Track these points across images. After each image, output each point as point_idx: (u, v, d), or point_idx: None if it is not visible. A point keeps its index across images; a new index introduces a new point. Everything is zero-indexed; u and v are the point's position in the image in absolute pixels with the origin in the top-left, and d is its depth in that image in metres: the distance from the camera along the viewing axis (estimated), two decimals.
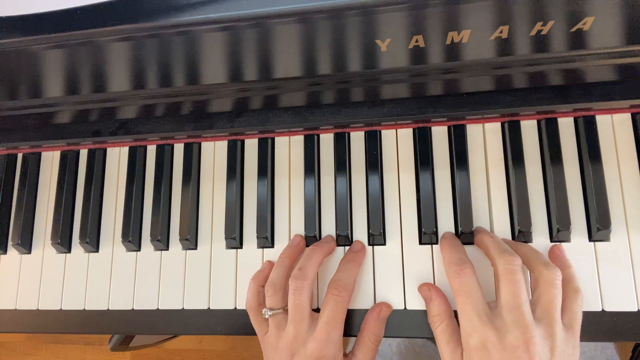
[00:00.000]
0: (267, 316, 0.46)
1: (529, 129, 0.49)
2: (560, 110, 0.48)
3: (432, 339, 0.45)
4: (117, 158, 0.57)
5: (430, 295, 0.45)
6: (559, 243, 0.46)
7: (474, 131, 0.50)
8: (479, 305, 0.40)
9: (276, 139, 0.54)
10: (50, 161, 0.59)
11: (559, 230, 0.45)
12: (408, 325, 0.47)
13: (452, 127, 0.50)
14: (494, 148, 0.49)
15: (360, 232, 0.50)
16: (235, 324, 0.50)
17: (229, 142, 0.54)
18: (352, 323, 0.48)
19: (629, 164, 0.47)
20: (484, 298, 0.41)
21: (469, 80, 0.46)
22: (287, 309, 0.45)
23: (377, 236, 0.48)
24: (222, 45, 0.41)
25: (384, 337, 0.47)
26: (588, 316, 0.44)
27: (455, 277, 0.42)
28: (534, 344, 0.36)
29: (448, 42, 0.39)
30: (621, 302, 0.44)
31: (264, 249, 0.51)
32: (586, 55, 0.42)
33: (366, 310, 0.47)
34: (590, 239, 0.46)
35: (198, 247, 0.53)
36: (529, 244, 0.46)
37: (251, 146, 0.54)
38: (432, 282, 0.47)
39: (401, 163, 0.50)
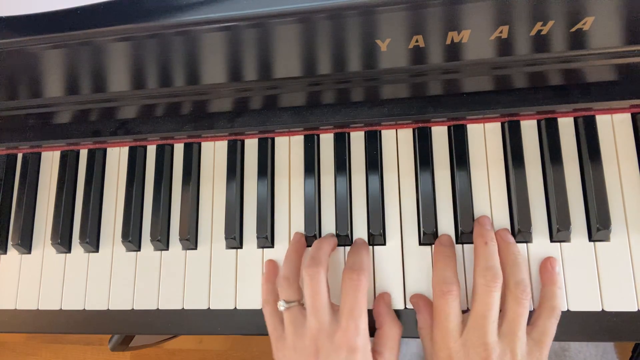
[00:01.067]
0: (282, 308, 0.44)
1: (529, 129, 0.49)
2: (560, 110, 0.48)
3: None
4: (117, 158, 0.57)
5: (419, 308, 0.46)
6: (552, 257, 0.45)
7: (474, 131, 0.50)
8: (452, 326, 0.42)
9: (276, 139, 0.54)
10: (50, 161, 0.59)
11: (559, 230, 0.45)
12: (408, 325, 0.47)
13: (452, 127, 0.50)
14: (494, 148, 0.49)
15: (360, 232, 0.50)
16: (235, 324, 0.50)
17: (229, 142, 0.54)
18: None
19: (629, 164, 0.47)
20: (460, 318, 0.43)
21: (469, 80, 0.46)
22: (303, 303, 0.44)
23: (377, 236, 0.48)
24: (222, 45, 0.41)
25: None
26: (588, 316, 0.44)
27: (440, 297, 0.43)
28: (493, 359, 0.40)
29: (448, 42, 0.39)
30: (621, 302, 0.44)
31: (264, 249, 0.51)
32: (586, 55, 0.42)
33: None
34: (590, 239, 0.46)
35: (198, 247, 0.53)
36: (529, 243, 0.46)
37: (251, 146, 0.54)
38: (432, 282, 0.47)
39: (401, 163, 0.50)
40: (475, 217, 0.48)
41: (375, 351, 0.44)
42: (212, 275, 0.52)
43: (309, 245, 0.50)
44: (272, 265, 0.50)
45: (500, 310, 0.42)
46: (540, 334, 0.42)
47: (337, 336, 0.41)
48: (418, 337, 0.46)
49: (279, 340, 0.45)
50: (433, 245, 0.48)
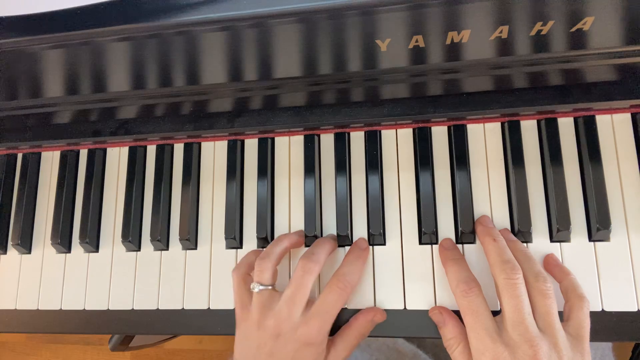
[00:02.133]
0: (255, 290, 0.45)
1: (529, 129, 0.49)
2: (560, 110, 0.48)
3: (430, 338, 0.45)
4: (117, 158, 0.57)
5: (443, 320, 0.44)
6: (551, 253, 0.45)
7: (474, 131, 0.50)
8: (487, 323, 0.40)
9: (276, 139, 0.54)
10: (50, 161, 0.59)
11: (558, 230, 0.45)
12: (408, 325, 0.47)
13: (452, 127, 0.50)
14: (494, 148, 0.49)
15: (360, 232, 0.50)
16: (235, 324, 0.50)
17: (229, 142, 0.54)
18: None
19: (629, 164, 0.47)
20: (491, 315, 0.41)
21: (469, 80, 0.46)
22: (275, 287, 0.45)
23: (377, 236, 0.48)
24: (222, 45, 0.41)
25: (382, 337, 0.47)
26: None
27: (463, 297, 0.42)
28: (542, 356, 0.37)
29: (448, 42, 0.39)
30: (621, 302, 0.44)
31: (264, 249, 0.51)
32: (586, 55, 0.42)
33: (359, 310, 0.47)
34: (590, 239, 0.46)
35: (198, 247, 0.53)
36: (529, 243, 0.46)
37: (251, 146, 0.54)
38: (432, 282, 0.47)
39: (401, 163, 0.50)
40: (475, 217, 0.48)
41: (331, 341, 0.45)
42: (212, 275, 0.52)
43: (306, 245, 0.50)
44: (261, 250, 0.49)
45: None
46: (577, 328, 0.40)
47: (300, 330, 0.43)
48: (415, 337, 0.46)
49: (243, 309, 0.46)
50: (433, 245, 0.48)
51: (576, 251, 0.45)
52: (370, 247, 0.49)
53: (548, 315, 0.40)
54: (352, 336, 0.46)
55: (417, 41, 0.39)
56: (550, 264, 0.45)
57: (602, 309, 0.44)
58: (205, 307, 0.51)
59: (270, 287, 0.45)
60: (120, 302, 0.53)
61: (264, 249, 0.47)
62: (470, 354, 0.42)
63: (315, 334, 0.43)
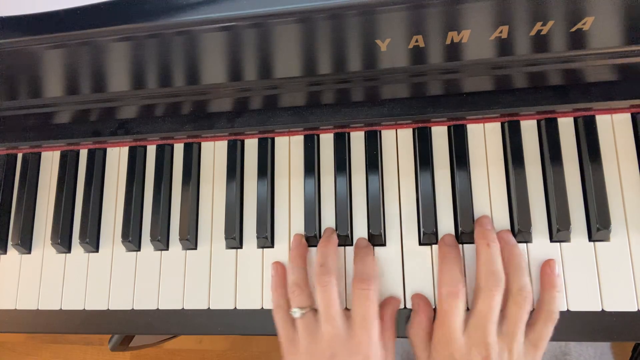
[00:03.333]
0: (297, 315, 0.45)
1: (529, 129, 0.49)
2: (560, 110, 0.48)
3: None
4: (117, 158, 0.57)
5: (418, 308, 0.46)
6: (552, 260, 0.45)
7: (474, 131, 0.50)
8: (457, 325, 0.43)
9: (276, 139, 0.54)
10: (50, 161, 0.58)
11: (558, 230, 0.45)
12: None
13: (452, 127, 0.50)
14: (494, 148, 0.49)
15: (360, 232, 0.50)
16: (235, 324, 0.50)
17: (229, 142, 0.54)
18: None
19: (629, 164, 0.47)
20: (464, 317, 0.43)
21: (469, 80, 0.46)
22: (315, 308, 0.45)
23: (377, 236, 0.48)
24: (222, 45, 0.41)
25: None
26: (588, 316, 0.44)
27: (446, 298, 0.44)
28: (493, 358, 0.41)
29: (448, 42, 0.39)
30: (621, 302, 0.44)
31: (264, 249, 0.51)
32: (586, 55, 0.42)
33: None
34: (590, 239, 0.46)
35: (198, 247, 0.53)
36: (529, 243, 0.46)
37: (251, 146, 0.54)
38: (432, 282, 0.47)
39: (401, 163, 0.50)
40: (475, 217, 0.48)
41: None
42: (212, 275, 0.52)
43: (310, 245, 0.50)
44: (280, 269, 0.49)
45: (501, 310, 0.43)
46: (537, 339, 0.43)
47: (351, 343, 0.43)
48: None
49: (291, 343, 0.46)
50: (433, 246, 0.48)
51: (576, 251, 0.45)
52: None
53: (515, 325, 0.42)
54: (389, 334, 0.45)
55: (417, 41, 0.39)
56: (546, 272, 0.45)
57: (602, 309, 0.44)
58: (205, 307, 0.51)
59: (309, 309, 0.45)
60: (120, 302, 0.53)
61: (289, 278, 0.47)
62: (426, 342, 0.44)
63: (366, 345, 0.42)
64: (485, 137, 0.50)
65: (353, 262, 0.48)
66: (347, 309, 0.47)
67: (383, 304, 0.47)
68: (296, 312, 0.45)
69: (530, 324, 0.43)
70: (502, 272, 0.43)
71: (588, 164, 0.46)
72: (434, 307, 0.46)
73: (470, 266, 0.47)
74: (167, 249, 0.53)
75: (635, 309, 0.44)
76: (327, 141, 0.52)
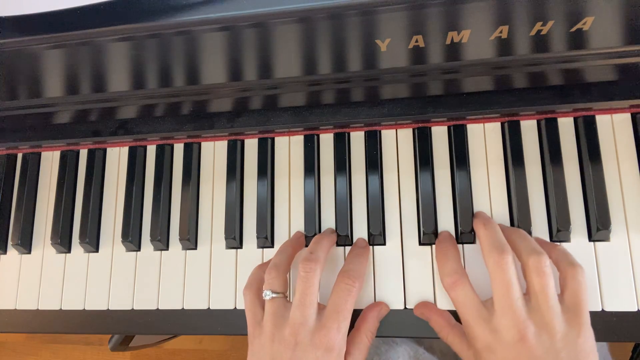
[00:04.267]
0: (267, 297, 0.44)
1: (529, 129, 0.49)
2: (560, 110, 0.48)
3: (431, 338, 0.45)
4: (117, 158, 0.57)
5: (427, 314, 0.46)
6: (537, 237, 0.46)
7: (474, 131, 0.50)
8: (475, 312, 0.41)
9: (276, 139, 0.54)
10: (50, 161, 0.59)
11: (558, 230, 0.45)
12: (408, 325, 0.47)
13: (452, 127, 0.50)
14: (494, 148, 0.49)
15: (360, 232, 0.50)
16: (235, 324, 0.50)
17: (229, 142, 0.54)
18: None
19: (629, 164, 0.47)
20: (480, 302, 0.42)
21: (469, 80, 0.46)
22: (287, 296, 0.45)
23: (377, 236, 0.48)
24: (222, 45, 0.41)
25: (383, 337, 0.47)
26: None
27: (450, 290, 0.43)
28: (530, 338, 0.38)
29: (448, 42, 0.39)
30: (621, 302, 0.44)
31: (264, 249, 0.51)
32: (586, 55, 0.42)
33: (361, 311, 0.47)
34: (590, 239, 0.46)
35: (198, 247, 0.53)
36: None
37: (251, 146, 0.54)
38: (432, 282, 0.47)
39: (401, 163, 0.50)
40: None
41: (347, 352, 0.44)
42: (212, 275, 0.52)
43: (306, 245, 0.50)
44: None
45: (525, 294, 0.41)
46: (573, 298, 0.40)
47: (318, 334, 0.41)
48: (415, 337, 0.46)
49: (256, 326, 0.45)
50: (433, 246, 0.48)
51: (576, 251, 0.45)
52: (370, 247, 0.49)
53: (542, 293, 0.39)
54: (364, 337, 0.45)
55: (417, 41, 0.39)
56: (539, 241, 0.45)
57: (602, 309, 0.44)
58: (205, 307, 0.51)
59: (282, 295, 0.44)
60: (120, 302, 0.53)
61: (271, 260, 0.47)
62: (461, 338, 0.43)
63: (334, 336, 0.41)
64: (485, 137, 0.50)
65: (347, 256, 0.47)
66: (321, 304, 0.45)
67: (371, 305, 0.47)
68: (267, 295, 0.44)
69: (560, 290, 0.41)
70: (506, 242, 0.42)
71: (588, 164, 0.46)
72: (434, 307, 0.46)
73: (471, 266, 0.46)
74: (167, 249, 0.53)
75: (636, 309, 0.44)
76: (327, 141, 0.52)
